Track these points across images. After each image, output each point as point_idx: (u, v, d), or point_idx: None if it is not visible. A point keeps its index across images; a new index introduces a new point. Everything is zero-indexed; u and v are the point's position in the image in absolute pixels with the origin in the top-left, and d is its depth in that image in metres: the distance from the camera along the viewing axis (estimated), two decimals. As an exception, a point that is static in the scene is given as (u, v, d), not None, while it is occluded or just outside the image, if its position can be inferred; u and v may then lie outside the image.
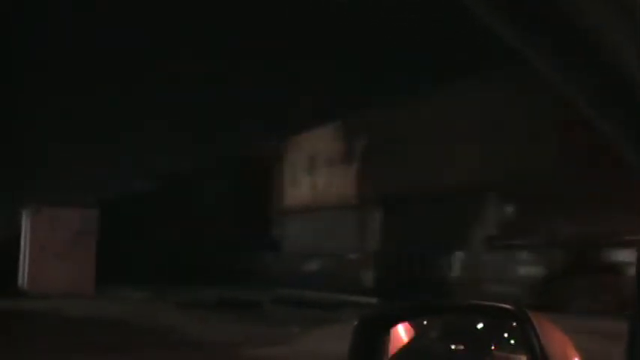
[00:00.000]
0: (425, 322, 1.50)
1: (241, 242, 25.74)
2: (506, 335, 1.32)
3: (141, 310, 14.85)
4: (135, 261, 24.18)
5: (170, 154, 26.14)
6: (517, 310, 1.22)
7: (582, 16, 0.67)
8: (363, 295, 16.77)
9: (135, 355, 9.22)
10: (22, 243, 18.84)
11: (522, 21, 0.72)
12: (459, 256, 17.00)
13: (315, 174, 23.24)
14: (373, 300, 15.69)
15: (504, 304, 1.27)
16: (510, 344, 1.31)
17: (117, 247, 23.53)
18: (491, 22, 0.73)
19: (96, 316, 13.54)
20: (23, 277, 18.53)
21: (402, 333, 1.44)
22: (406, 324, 1.46)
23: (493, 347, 1.39)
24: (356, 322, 1.35)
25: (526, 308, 1.21)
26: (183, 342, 10.45)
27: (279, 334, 10.97)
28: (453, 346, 1.47)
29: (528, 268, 15.16)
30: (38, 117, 22.25)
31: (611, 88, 0.75)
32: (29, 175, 22.16)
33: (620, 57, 0.71)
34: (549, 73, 0.79)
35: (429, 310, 1.49)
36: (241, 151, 26.10)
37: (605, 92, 0.77)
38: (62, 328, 11.89)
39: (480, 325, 1.40)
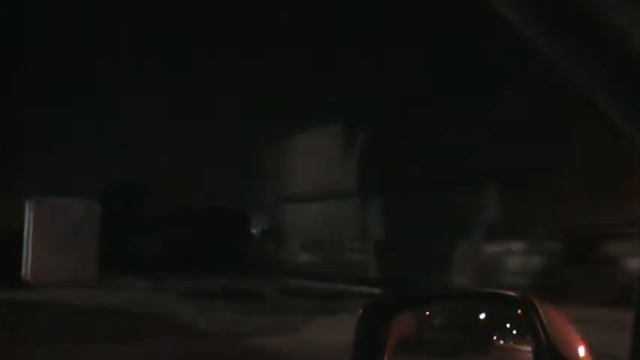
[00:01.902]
0: (428, 312, 1.49)
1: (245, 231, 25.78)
2: (508, 326, 1.32)
3: (145, 300, 14.87)
4: (138, 251, 24.18)
5: (173, 147, 26.16)
6: (522, 297, 1.22)
7: (596, 6, 0.66)
8: (366, 285, 16.77)
9: (140, 344, 9.24)
10: (25, 233, 18.83)
11: (541, 15, 0.71)
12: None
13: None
14: (376, 290, 15.69)
15: (509, 291, 1.26)
16: (513, 335, 1.30)
17: (120, 237, 23.55)
18: (509, 14, 0.72)
19: (100, 305, 13.56)
20: (26, 268, 18.54)
21: (405, 322, 1.44)
22: (410, 313, 1.46)
23: (495, 338, 1.39)
24: (360, 311, 1.34)
25: (531, 295, 1.20)
26: (188, 331, 10.47)
27: (283, 324, 10.99)
28: (455, 336, 1.47)
29: (528, 258, 15.14)
30: (41, 109, 22.23)
31: (626, 76, 0.74)
32: (32, 165, 22.18)
33: (634, 45, 0.70)
34: (564, 64, 0.78)
35: (433, 298, 1.49)
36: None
37: (619, 81, 0.76)
38: (66, 318, 11.90)
39: (482, 316, 1.40)
